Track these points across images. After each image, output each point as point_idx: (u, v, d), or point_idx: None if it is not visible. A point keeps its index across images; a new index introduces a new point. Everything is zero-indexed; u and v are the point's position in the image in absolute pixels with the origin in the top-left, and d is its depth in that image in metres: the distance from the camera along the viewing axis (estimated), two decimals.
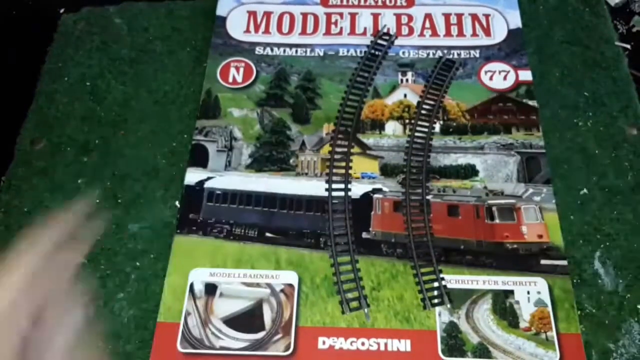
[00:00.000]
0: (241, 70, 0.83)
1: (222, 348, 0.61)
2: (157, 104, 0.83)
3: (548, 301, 0.63)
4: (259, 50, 0.85)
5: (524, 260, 0.66)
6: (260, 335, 0.62)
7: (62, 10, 0.94)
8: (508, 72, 0.81)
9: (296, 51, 0.85)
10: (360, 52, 0.84)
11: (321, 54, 0.85)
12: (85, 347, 0.44)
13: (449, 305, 0.63)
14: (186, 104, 0.82)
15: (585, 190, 0.73)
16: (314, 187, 0.73)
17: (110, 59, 0.88)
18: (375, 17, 0.87)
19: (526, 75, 0.81)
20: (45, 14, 0.96)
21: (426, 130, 0.77)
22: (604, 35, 0.87)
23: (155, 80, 0.86)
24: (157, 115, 0.82)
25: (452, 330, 0.61)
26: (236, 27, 0.87)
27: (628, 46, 0.87)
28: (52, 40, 0.90)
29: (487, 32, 0.85)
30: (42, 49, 0.89)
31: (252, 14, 0.88)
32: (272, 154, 0.76)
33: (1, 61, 0.90)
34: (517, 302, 0.63)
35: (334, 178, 0.73)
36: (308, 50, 0.85)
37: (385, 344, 0.61)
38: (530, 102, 0.78)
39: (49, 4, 0.96)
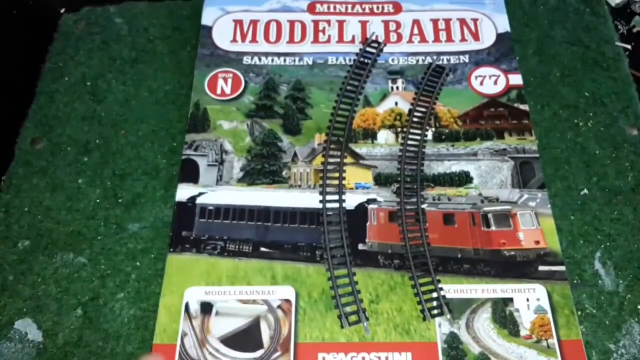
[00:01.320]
0: (229, 81, 0.82)
1: None
2: (158, 104, 0.83)
3: (547, 308, 0.63)
4: (246, 60, 0.84)
5: (522, 267, 0.66)
6: (258, 353, 0.61)
7: (62, 10, 0.94)
8: (498, 76, 0.81)
9: (284, 60, 0.84)
10: (349, 60, 0.83)
11: (310, 62, 0.84)
12: None
13: (448, 316, 0.63)
14: (186, 104, 0.81)
15: (585, 191, 0.74)
16: (308, 199, 0.72)
17: (110, 58, 0.88)
18: (363, 24, 0.87)
19: (516, 79, 0.81)
20: (46, 14, 0.96)
21: (418, 138, 0.76)
22: (605, 35, 0.88)
23: (155, 80, 0.86)
24: (158, 115, 0.82)
25: (452, 341, 0.61)
26: (222, 37, 0.86)
27: (628, 46, 0.87)
28: (52, 40, 0.90)
29: (476, 36, 0.85)
30: (42, 49, 0.89)
31: (239, 22, 0.87)
32: (264, 167, 0.75)
33: (2, 61, 0.90)
34: (517, 310, 0.63)
35: (328, 189, 0.72)
36: (297, 59, 0.84)
37: (386, 358, 0.60)
38: (522, 106, 0.78)
39: (49, 4, 0.96)
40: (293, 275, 0.66)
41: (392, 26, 0.86)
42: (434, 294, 0.64)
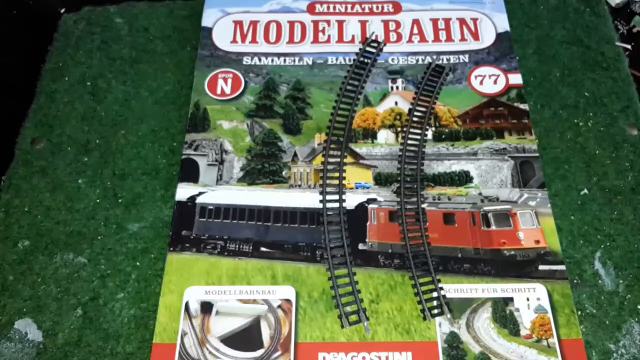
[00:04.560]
0: (229, 81, 0.82)
1: None
2: (158, 104, 0.83)
3: (548, 307, 0.63)
4: (246, 60, 0.84)
5: (522, 266, 0.66)
6: (259, 353, 0.61)
7: (62, 10, 0.94)
8: (498, 76, 0.81)
9: (284, 60, 0.84)
10: (349, 59, 0.83)
11: (310, 62, 0.84)
12: None
13: (449, 316, 0.63)
14: (186, 104, 0.81)
15: (585, 191, 0.74)
16: (308, 199, 0.72)
17: (110, 58, 0.88)
18: (363, 24, 0.87)
19: (516, 78, 0.81)
20: (46, 14, 0.96)
21: (418, 137, 0.76)
22: (605, 35, 0.88)
23: (155, 80, 0.86)
24: (158, 115, 0.82)
25: (453, 341, 0.61)
26: (223, 38, 0.86)
27: (629, 46, 0.87)
28: (52, 40, 0.91)
29: (476, 36, 0.85)
30: (42, 49, 0.89)
31: (239, 23, 0.87)
32: (264, 166, 0.75)
33: (2, 61, 0.90)
34: (517, 310, 0.63)
35: (328, 189, 0.72)
36: (296, 59, 0.84)
37: (387, 357, 0.60)
38: (522, 106, 0.78)
39: (49, 4, 0.97)
40: (293, 275, 0.66)
41: (392, 26, 0.86)
42: (434, 294, 0.64)
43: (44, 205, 0.74)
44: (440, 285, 0.65)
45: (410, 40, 0.85)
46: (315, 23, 0.87)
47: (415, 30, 0.86)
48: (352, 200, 0.71)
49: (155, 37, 0.91)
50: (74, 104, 0.83)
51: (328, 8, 0.89)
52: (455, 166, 0.74)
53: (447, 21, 0.86)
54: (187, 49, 0.89)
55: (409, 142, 0.76)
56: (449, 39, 0.85)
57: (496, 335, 0.61)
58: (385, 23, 0.87)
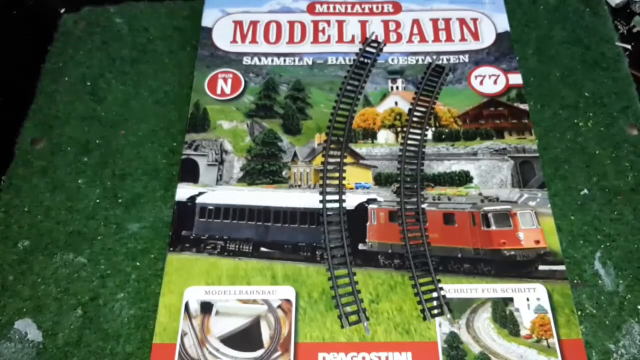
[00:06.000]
0: (229, 81, 0.82)
1: None
2: (158, 104, 0.84)
3: (548, 307, 0.63)
4: (246, 60, 0.84)
5: (522, 266, 0.66)
6: (258, 353, 0.61)
7: (62, 10, 0.94)
8: (498, 76, 0.81)
9: (284, 60, 0.84)
10: (349, 60, 0.83)
11: (310, 62, 0.84)
12: None
13: (448, 316, 0.63)
14: (186, 104, 0.81)
15: (585, 191, 0.74)
16: (308, 199, 0.72)
17: (110, 58, 0.88)
18: (363, 24, 0.87)
19: (516, 78, 0.81)
20: (46, 14, 0.96)
21: (418, 137, 0.76)
22: (605, 35, 0.88)
23: (155, 80, 0.86)
24: (158, 115, 0.82)
25: (453, 341, 0.61)
26: (222, 38, 0.86)
27: (628, 46, 0.87)
28: (52, 40, 0.91)
29: (476, 36, 0.85)
30: (42, 49, 0.89)
31: (239, 23, 0.87)
32: (264, 167, 0.75)
33: (2, 61, 0.90)
34: (517, 310, 0.62)
35: (328, 189, 0.72)
36: (296, 59, 0.84)
37: (387, 357, 0.60)
38: (522, 106, 0.78)
39: (49, 4, 0.97)
40: (293, 275, 0.66)
41: (392, 26, 0.86)
42: (434, 294, 0.64)
43: (44, 205, 0.74)
44: (440, 285, 0.65)
45: (410, 40, 0.85)
46: (315, 23, 0.87)
47: (415, 30, 0.86)
48: (352, 201, 0.71)
49: (155, 37, 0.91)
50: (74, 104, 0.83)
51: (328, 8, 0.89)
52: (455, 166, 0.74)
53: (447, 21, 0.86)
54: (187, 49, 0.89)
55: (409, 142, 0.76)
56: (449, 39, 0.85)
57: (496, 336, 0.61)
58: (385, 23, 0.87)
